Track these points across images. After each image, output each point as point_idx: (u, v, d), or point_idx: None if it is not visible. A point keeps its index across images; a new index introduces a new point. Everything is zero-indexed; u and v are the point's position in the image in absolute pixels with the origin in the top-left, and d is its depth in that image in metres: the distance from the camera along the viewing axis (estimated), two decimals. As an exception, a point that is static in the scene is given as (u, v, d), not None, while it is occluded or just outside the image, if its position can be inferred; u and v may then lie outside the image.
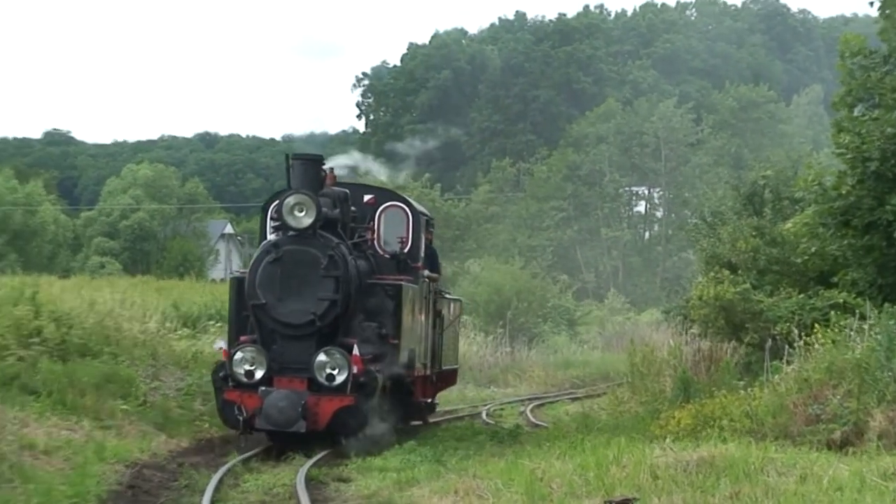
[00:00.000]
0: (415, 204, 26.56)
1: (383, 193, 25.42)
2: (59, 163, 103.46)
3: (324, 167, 23.60)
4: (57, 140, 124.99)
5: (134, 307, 32.72)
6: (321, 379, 21.30)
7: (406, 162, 62.59)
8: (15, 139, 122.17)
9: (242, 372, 21.31)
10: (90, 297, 31.06)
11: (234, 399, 21.26)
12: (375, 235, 24.51)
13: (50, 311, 26.49)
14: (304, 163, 22.47)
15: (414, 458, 20.70)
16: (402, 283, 23.78)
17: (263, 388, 21.12)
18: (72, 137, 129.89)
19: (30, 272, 39.21)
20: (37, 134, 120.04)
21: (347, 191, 24.00)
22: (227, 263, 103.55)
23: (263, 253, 22.02)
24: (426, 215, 27.64)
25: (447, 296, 29.63)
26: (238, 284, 23.46)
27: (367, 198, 24.66)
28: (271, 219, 23.49)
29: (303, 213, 21.37)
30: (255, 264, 22.00)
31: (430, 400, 28.30)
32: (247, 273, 22.78)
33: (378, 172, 42.82)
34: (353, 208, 24.20)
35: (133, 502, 16.46)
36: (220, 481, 17.91)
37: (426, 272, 26.06)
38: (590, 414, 28.91)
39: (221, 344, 22.87)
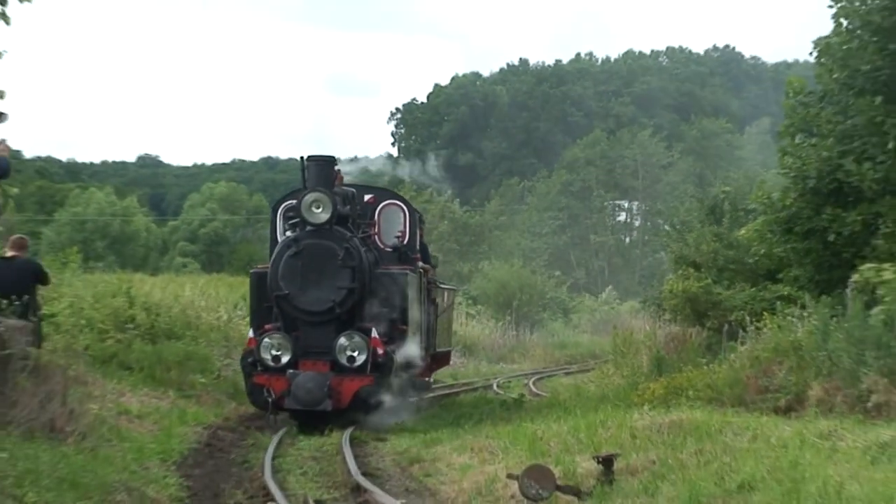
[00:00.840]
0: (410, 202, 25.19)
1: (382, 193, 23.98)
2: (150, 181, 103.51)
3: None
4: (148, 163, 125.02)
5: (210, 299, 32.82)
6: (343, 361, 19.92)
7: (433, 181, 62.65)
8: (114, 162, 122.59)
9: (270, 357, 19.97)
10: (174, 291, 31.16)
11: (262, 382, 19.91)
12: (376, 231, 23.04)
13: (142, 302, 26.60)
14: (318, 164, 21.03)
15: (437, 422, 20.80)
16: (408, 272, 22.41)
17: (291, 370, 19.78)
18: (160, 161, 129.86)
19: (125, 271, 39.19)
20: (131, 158, 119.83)
21: (354, 190, 22.76)
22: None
23: (284, 247, 20.47)
24: (419, 212, 25.95)
25: (441, 285, 28.16)
26: (257, 279, 22.01)
27: (367, 197, 23.33)
28: (286, 217, 22.20)
29: (320, 210, 20.02)
30: (277, 258, 20.44)
31: (426, 379, 27.01)
32: (267, 268, 21.31)
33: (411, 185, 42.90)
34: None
35: (209, 457, 16.50)
36: (280, 441, 17.99)
37: (420, 263, 24.27)
38: (581, 386, 28.92)
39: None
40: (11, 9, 11.67)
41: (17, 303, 15.12)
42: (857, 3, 24.69)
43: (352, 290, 20.14)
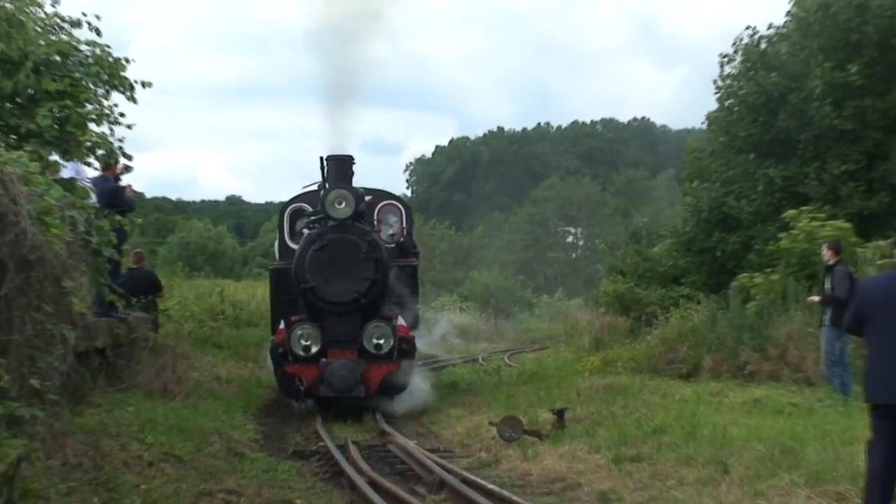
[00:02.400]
0: (406, 202, 21.04)
1: (380, 193, 19.49)
2: (235, 214, 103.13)
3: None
4: (233, 201, 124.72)
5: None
6: (370, 348, 16.02)
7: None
8: (209, 200, 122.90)
9: (300, 347, 15.90)
10: (252, 292, 31.05)
11: (294, 372, 15.86)
12: (378, 228, 18.62)
13: (229, 300, 26.70)
14: (338, 161, 17.07)
15: (439, 384, 20.63)
16: (416, 264, 19.09)
17: (324, 359, 15.76)
18: (242, 199, 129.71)
19: (217, 278, 39.14)
20: (221, 197, 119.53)
21: (363, 189, 18.85)
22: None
23: (309, 242, 16.43)
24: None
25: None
26: (277, 274, 18.21)
27: (367, 198, 18.91)
28: (291, 217, 18.46)
29: (343, 205, 16.11)
30: (303, 253, 16.40)
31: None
32: (286, 264, 17.49)
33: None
34: None
35: (277, 411, 16.49)
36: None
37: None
38: (541, 359, 28.82)
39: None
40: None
41: (141, 301, 15.19)
42: (735, 88, 24.83)
43: (375, 280, 16.29)
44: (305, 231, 17.39)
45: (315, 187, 18.12)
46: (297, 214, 18.78)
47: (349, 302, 16.11)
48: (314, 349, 15.88)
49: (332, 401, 15.91)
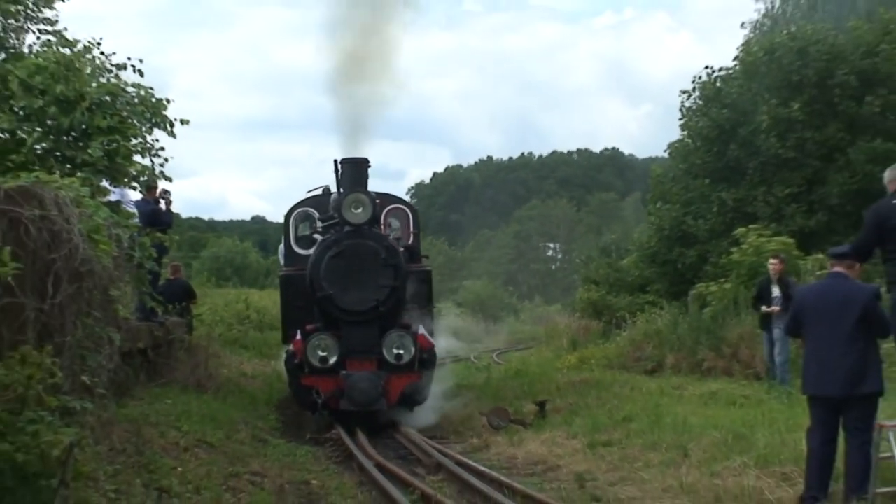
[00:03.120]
0: (413, 206, 18.19)
1: (387, 197, 16.23)
2: (259, 232, 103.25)
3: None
4: (257, 221, 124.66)
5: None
6: (390, 359, 13.29)
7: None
8: (237, 220, 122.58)
9: (317, 358, 13.17)
10: (274, 299, 31.02)
11: (311, 383, 13.20)
12: (384, 232, 15.26)
13: (254, 306, 26.61)
14: (353, 165, 14.23)
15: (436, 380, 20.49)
16: (430, 269, 16.39)
17: (345, 371, 13.02)
18: (265, 218, 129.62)
19: (244, 288, 39.02)
20: (247, 217, 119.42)
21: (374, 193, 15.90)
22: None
23: (324, 249, 13.60)
24: None
25: None
26: (287, 282, 15.33)
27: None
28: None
29: (359, 210, 13.40)
30: (318, 259, 13.59)
31: None
32: (297, 271, 14.86)
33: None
34: None
35: (295, 403, 16.42)
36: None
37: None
38: (525, 358, 28.82)
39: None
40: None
41: (177, 308, 15.16)
42: (694, 122, 24.89)
43: (394, 288, 13.55)
44: (317, 237, 14.79)
45: (320, 192, 15.90)
46: (302, 219, 16.09)
47: (367, 310, 13.46)
48: (331, 360, 13.21)
49: (351, 414, 13.06)
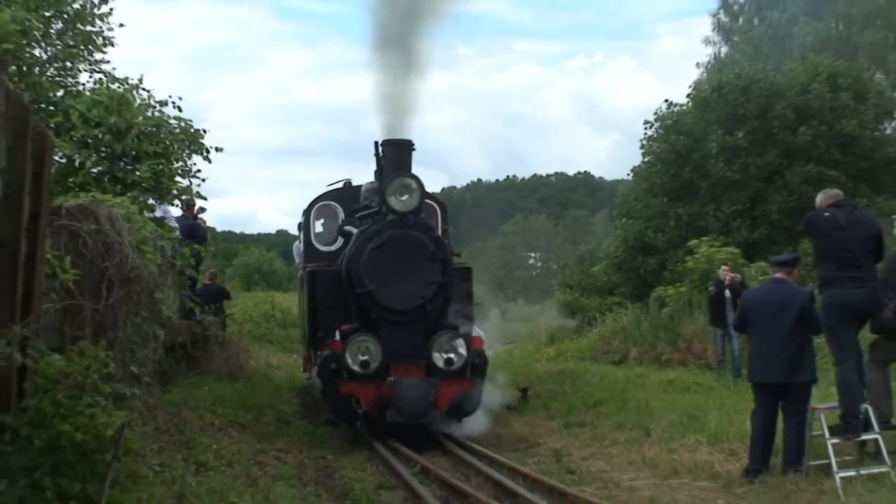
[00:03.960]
0: (441, 201, 13.78)
1: None
2: (282, 243, 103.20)
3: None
4: (281, 234, 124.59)
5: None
6: (439, 364, 10.10)
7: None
8: (264, 233, 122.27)
9: (358, 363, 9.91)
10: (296, 300, 30.97)
11: (349, 391, 9.93)
12: None
13: (279, 307, 26.51)
14: (397, 147, 10.69)
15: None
16: (471, 266, 12.58)
17: (392, 378, 9.81)
18: (287, 232, 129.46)
19: (270, 291, 38.97)
20: (273, 231, 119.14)
21: None
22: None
23: (365, 240, 10.36)
24: None
25: None
26: (314, 279, 11.50)
27: None
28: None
29: (406, 197, 10.14)
30: (357, 252, 10.34)
31: None
32: (325, 266, 11.47)
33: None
34: None
35: (313, 390, 16.36)
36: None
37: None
38: (511, 350, 28.78)
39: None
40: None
41: (212, 308, 15.12)
42: (654, 148, 24.94)
43: (443, 285, 10.36)
44: (350, 228, 11.33)
45: (341, 185, 12.87)
46: (324, 214, 12.72)
47: (413, 309, 10.30)
48: (373, 365, 10.00)
49: (395, 426, 9.75)
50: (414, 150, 10.77)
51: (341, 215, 12.13)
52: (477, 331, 10.67)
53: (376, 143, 10.81)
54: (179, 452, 7.03)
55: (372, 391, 9.84)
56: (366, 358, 9.93)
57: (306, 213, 12.64)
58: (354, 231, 10.94)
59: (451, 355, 10.12)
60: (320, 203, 12.59)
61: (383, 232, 10.30)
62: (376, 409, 9.78)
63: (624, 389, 12.70)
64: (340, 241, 11.67)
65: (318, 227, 12.55)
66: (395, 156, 10.64)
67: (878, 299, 6.85)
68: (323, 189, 12.92)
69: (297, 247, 14.06)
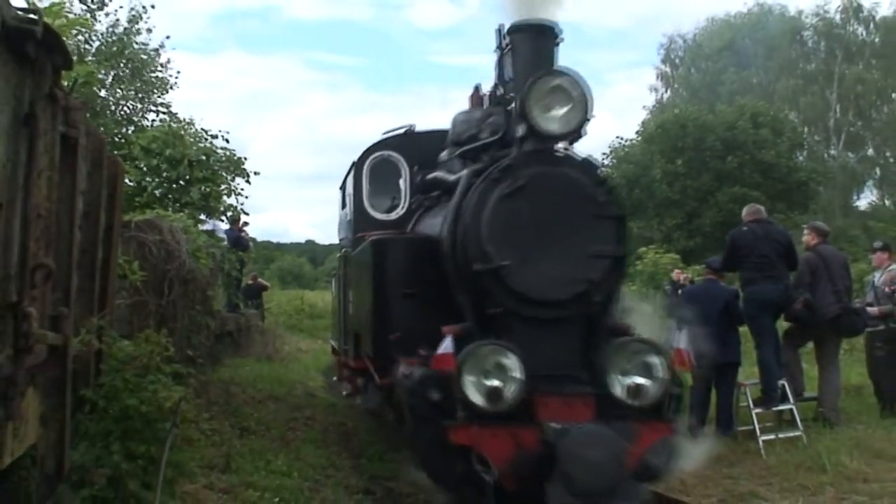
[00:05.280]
0: None
1: None
2: (310, 251, 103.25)
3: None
4: (310, 243, 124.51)
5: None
6: (618, 393, 3.47)
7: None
8: (295, 242, 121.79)
9: (485, 392, 3.19)
10: (324, 297, 30.83)
11: (470, 442, 3.16)
12: None
13: (307, 302, 26.39)
14: (536, 34, 3.81)
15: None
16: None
17: (553, 423, 3.21)
18: (315, 241, 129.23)
19: (301, 289, 38.91)
20: (302, 240, 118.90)
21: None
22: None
23: (491, 182, 3.60)
24: None
25: None
26: (379, 250, 4.47)
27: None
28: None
29: (566, 109, 3.23)
30: (477, 206, 3.59)
31: None
32: (391, 234, 4.95)
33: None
34: None
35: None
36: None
37: None
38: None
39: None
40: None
41: (254, 303, 15.06)
42: (608, 174, 24.95)
43: (619, 259, 3.89)
44: (443, 175, 5.34)
45: (402, 132, 6.52)
46: (381, 168, 6.39)
47: (572, 299, 4.10)
48: (509, 395, 3.76)
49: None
50: (562, 40, 4.54)
51: (404, 173, 6.31)
52: (679, 340, 5.60)
53: (498, 29, 4.80)
54: (227, 420, 7.01)
55: (509, 444, 3.82)
56: (497, 384, 3.88)
57: (357, 166, 6.40)
58: (450, 177, 5.12)
59: (643, 381, 4.02)
60: (377, 154, 6.36)
61: (520, 169, 4.25)
62: (516, 474, 3.83)
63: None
64: (403, 208, 6.21)
65: (370, 188, 6.42)
66: (534, 48, 4.47)
67: (790, 295, 6.88)
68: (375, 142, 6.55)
69: (344, 214, 7.41)
